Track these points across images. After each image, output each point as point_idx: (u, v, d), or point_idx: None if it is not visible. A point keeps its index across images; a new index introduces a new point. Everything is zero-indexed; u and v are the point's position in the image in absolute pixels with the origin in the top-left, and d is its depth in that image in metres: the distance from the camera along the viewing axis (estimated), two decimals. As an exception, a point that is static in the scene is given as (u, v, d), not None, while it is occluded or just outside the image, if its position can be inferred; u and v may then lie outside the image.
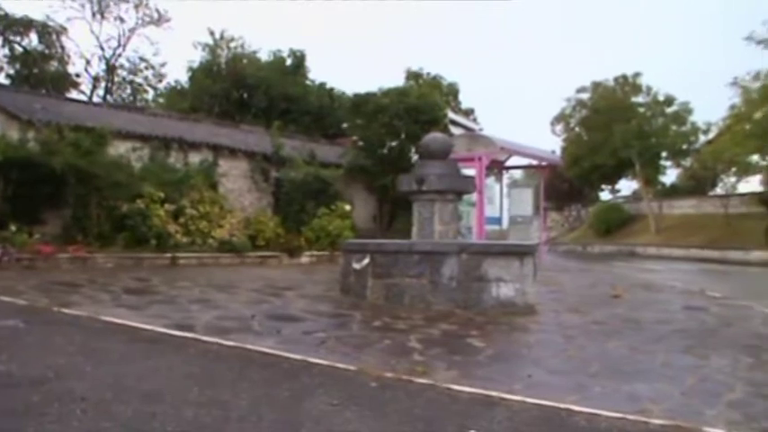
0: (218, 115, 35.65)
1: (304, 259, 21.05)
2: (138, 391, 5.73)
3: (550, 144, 47.97)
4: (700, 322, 11.31)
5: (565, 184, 53.51)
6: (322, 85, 41.29)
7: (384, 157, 26.42)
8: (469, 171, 19.51)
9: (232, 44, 41.90)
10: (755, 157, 38.00)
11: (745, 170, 39.16)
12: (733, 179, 41.65)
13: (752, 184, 40.87)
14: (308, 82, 41.32)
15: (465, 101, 53.81)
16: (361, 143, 27.44)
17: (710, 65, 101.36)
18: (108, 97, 40.58)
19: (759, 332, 10.60)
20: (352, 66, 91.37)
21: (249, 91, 38.76)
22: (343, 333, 8.94)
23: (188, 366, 6.74)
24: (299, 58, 41.71)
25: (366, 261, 11.87)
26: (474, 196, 21.09)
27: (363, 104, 27.27)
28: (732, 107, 39.61)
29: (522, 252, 11.97)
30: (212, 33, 41.68)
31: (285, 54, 41.92)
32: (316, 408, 5.48)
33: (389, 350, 7.93)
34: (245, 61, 41.05)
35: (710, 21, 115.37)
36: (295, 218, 22.73)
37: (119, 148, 20.19)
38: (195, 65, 41.26)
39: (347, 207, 23.40)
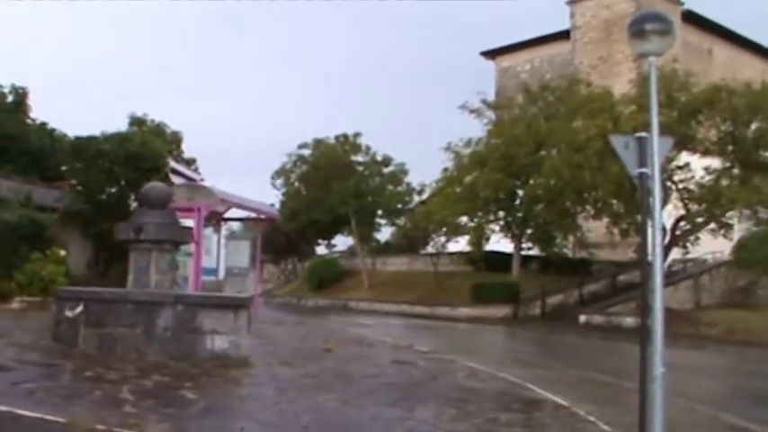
0: (-70, 149, 33.49)
1: (15, 305, 20.11)
2: None
3: (270, 197, 48.28)
4: (407, 376, 11.89)
5: (282, 238, 54.07)
6: (43, 125, 39.73)
7: (103, 203, 25.82)
8: (188, 221, 19.47)
9: (-50, 76, 39.65)
10: (464, 219, 40.29)
11: (455, 231, 41.37)
12: (443, 239, 43.71)
13: (460, 244, 43.19)
14: (29, 121, 39.63)
15: (189, 150, 53.36)
16: (79, 188, 26.70)
17: (431, 128, 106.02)
18: None
19: (462, 385, 11.30)
20: (78, 107, 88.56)
21: (-35, 126, 36.63)
22: (54, 383, 8.75)
23: None
24: (21, 95, 39.98)
25: (79, 309, 11.63)
26: (192, 246, 21.01)
27: (84, 148, 26.60)
28: (445, 170, 41.72)
29: (236, 304, 12.15)
30: (-75, 64, 39.37)
31: (6, 90, 40.05)
32: (22, 462, 5.39)
33: (101, 401, 7.85)
34: (-39, 94, 38.89)
35: (432, 85, 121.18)
36: (7, 262, 21.70)
37: None
38: None
39: (62, 252, 22.64)
